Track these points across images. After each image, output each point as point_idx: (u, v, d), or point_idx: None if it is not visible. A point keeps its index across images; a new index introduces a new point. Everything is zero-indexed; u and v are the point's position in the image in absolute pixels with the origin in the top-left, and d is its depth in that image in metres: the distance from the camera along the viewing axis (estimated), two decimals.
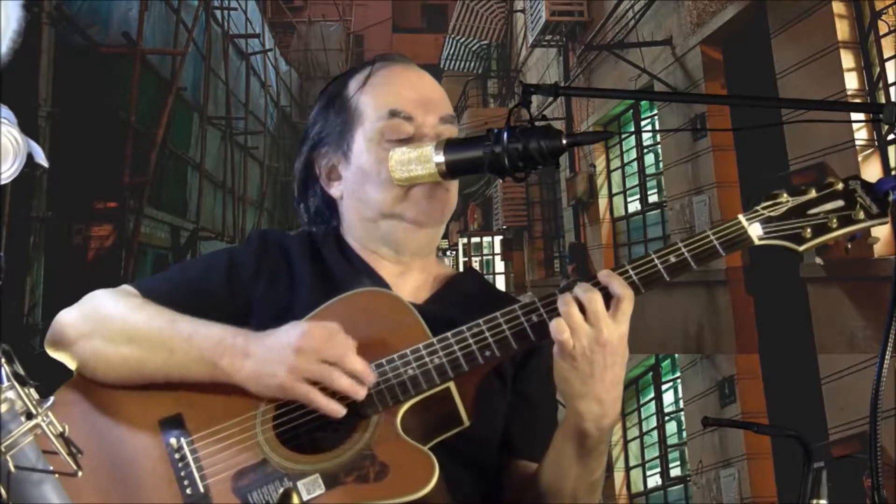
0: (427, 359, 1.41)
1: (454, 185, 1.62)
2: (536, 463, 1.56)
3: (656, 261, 1.42)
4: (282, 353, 1.37)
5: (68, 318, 1.52)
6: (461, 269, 10.51)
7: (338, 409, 1.36)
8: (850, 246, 1.45)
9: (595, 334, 1.35)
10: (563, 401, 1.44)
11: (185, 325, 1.44)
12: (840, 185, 1.44)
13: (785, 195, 1.45)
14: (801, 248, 1.43)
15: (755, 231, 1.43)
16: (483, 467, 1.56)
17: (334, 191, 1.68)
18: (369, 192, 1.62)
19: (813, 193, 1.44)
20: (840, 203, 1.43)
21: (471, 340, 1.41)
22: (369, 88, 1.66)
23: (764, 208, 1.44)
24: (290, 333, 1.38)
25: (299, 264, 1.61)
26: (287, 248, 1.64)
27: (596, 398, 1.39)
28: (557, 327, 1.36)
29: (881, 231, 1.45)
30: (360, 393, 1.37)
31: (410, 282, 1.65)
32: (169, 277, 1.63)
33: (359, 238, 1.66)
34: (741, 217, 1.44)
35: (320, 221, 1.71)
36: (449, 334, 1.42)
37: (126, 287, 1.56)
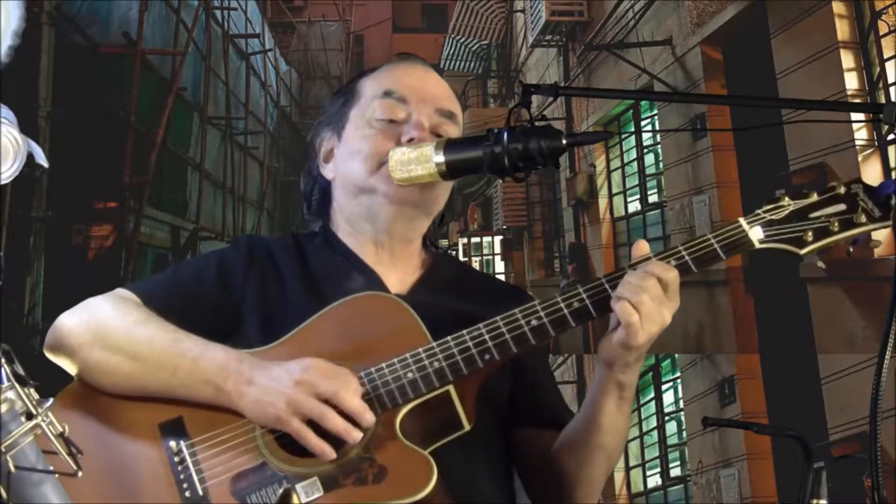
0: (426, 362, 1.41)
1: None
2: (551, 430, 1.60)
3: None
4: (283, 383, 1.37)
5: (69, 325, 1.51)
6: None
7: (328, 454, 1.36)
8: (851, 250, 1.44)
9: (661, 319, 1.38)
10: (605, 364, 1.46)
11: (191, 346, 1.44)
12: (842, 189, 1.44)
13: (786, 198, 1.44)
14: (803, 252, 1.43)
15: (756, 234, 1.43)
16: (491, 459, 1.57)
17: (328, 171, 1.71)
18: (348, 166, 1.65)
19: (814, 197, 1.44)
20: (842, 207, 1.43)
21: (470, 344, 1.41)
22: (374, 75, 1.72)
23: (765, 211, 1.44)
24: (293, 366, 1.39)
25: (286, 268, 1.63)
26: (272, 251, 1.65)
27: (640, 358, 1.45)
28: (627, 315, 1.37)
29: (882, 234, 1.45)
30: (354, 434, 1.36)
31: (397, 270, 1.67)
32: (162, 281, 1.64)
33: (346, 218, 1.68)
34: (742, 220, 1.44)
35: (320, 214, 1.73)
36: (449, 338, 1.42)
37: (123, 292, 1.56)
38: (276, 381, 1.37)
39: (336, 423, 1.35)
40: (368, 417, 1.36)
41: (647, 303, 1.36)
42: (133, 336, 1.47)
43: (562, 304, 1.42)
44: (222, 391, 1.40)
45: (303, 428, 1.35)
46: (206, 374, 1.41)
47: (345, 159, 1.67)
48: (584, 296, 1.42)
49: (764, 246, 1.44)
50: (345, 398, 1.35)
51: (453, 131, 1.67)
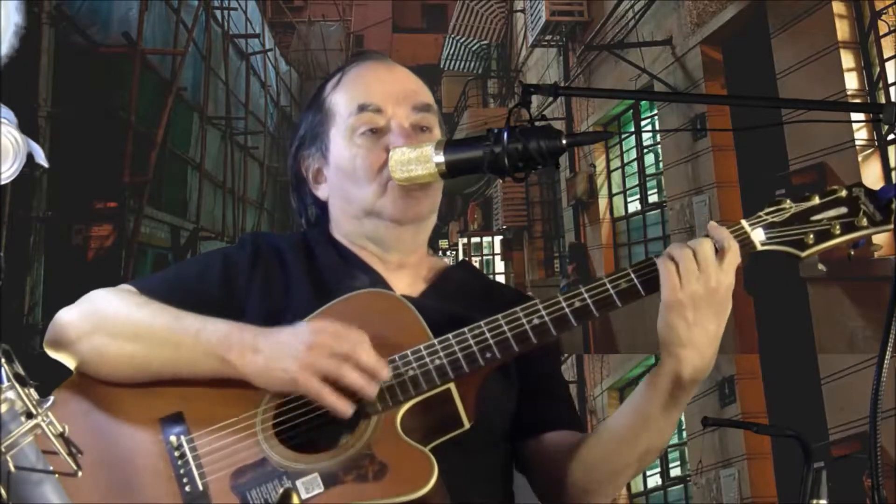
0: (427, 359, 1.41)
1: (436, 182, 1.62)
2: (561, 431, 1.60)
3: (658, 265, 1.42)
4: (293, 348, 1.37)
5: (68, 318, 1.52)
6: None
7: (345, 409, 1.36)
8: (853, 253, 1.45)
9: (704, 280, 1.37)
10: (662, 349, 1.43)
11: (191, 321, 1.44)
12: (843, 192, 1.45)
13: (788, 201, 1.45)
14: (804, 255, 1.44)
15: (758, 236, 1.44)
16: (491, 460, 1.57)
17: (321, 193, 1.70)
18: (348, 190, 1.64)
19: (816, 200, 1.45)
20: (843, 210, 1.44)
21: (472, 341, 1.41)
22: (340, 87, 1.69)
23: (767, 213, 1.45)
24: (301, 329, 1.39)
25: (293, 266, 1.62)
26: (280, 249, 1.65)
27: (698, 347, 1.40)
28: (667, 269, 1.37)
29: (882, 238, 1.45)
30: (371, 389, 1.36)
31: (404, 276, 1.66)
32: (165, 278, 1.64)
33: (347, 235, 1.68)
34: (744, 222, 1.45)
35: (316, 225, 1.73)
36: (450, 335, 1.42)
37: (124, 286, 1.57)
38: (285, 346, 1.37)
39: (354, 378, 1.35)
40: (385, 373, 1.37)
41: (687, 260, 1.38)
42: (133, 318, 1.47)
43: (563, 304, 1.42)
44: (226, 361, 1.40)
45: (323, 386, 1.35)
46: (209, 347, 1.41)
47: (341, 182, 1.65)
48: (585, 295, 1.42)
49: (766, 248, 1.44)
50: (361, 355, 1.36)
51: (433, 120, 1.67)
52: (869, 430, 1.35)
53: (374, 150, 1.61)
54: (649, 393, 1.46)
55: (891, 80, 6.20)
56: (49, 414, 1.09)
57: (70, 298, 1.56)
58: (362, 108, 1.63)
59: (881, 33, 6.31)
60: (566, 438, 1.60)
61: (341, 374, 1.35)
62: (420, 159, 1.53)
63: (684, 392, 1.44)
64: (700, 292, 1.37)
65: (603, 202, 10.59)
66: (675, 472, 9.04)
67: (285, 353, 1.37)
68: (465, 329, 1.42)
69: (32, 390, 1.10)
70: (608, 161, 10.61)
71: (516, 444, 1.64)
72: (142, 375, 1.45)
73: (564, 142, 1.45)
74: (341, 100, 1.67)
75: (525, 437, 1.63)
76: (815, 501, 2.36)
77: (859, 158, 6.15)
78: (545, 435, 1.62)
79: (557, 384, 1.72)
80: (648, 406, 1.47)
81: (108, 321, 1.48)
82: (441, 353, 1.41)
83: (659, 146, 9.57)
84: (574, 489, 1.56)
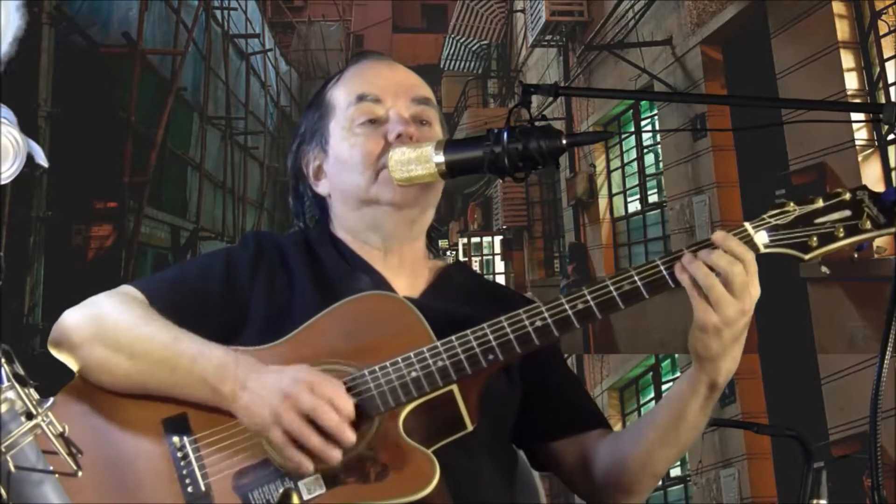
0: (430, 361, 1.41)
1: (436, 181, 1.61)
2: (595, 430, 1.62)
3: (661, 267, 1.42)
4: (272, 394, 1.36)
5: (72, 321, 1.51)
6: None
7: (305, 466, 1.34)
8: (856, 256, 1.45)
9: (740, 305, 1.38)
10: (696, 361, 1.44)
11: (189, 344, 1.44)
12: (847, 195, 1.44)
13: (791, 204, 1.45)
14: (807, 257, 1.43)
15: (761, 239, 1.43)
16: (493, 462, 1.57)
17: (321, 188, 1.70)
18: (345, 180, 1.65)
19: (820, 203, 1.44)
20: (847, 213, 1.43)
21: (474, 343, 1.41)
22: (341, 82, 1.71)
23: (770, 216, 1.44)
24: (287, 377, 1.37)
25: (296, 264, 1.62)
26: (282, 248, 1.65)
27: (732, 356, 1.43)
28: (698, 296, 1.38)
29: (884, 240, 1.45)
30: (329, 454, 1.34)
31: (404, 275, 1.66)
32: (168, 278, 1.63)
33: (349, 230, 1.68)
34: (747, 225, 1.44)
35: (315, 223, 1.73)
36: (452, 337, 1.42)
37: (128, 288, 1.56)
38: (266, 390, 1.36)
39: (313, 442, 1.33)
40: (347, 436, 1.34)
41: (710, 275, 1.37)
42: (133, 334, 1.46)
43: (566, 306, 1.42)
44: (218, 392, 1.39)
45: (283, 439, 1.34)
46: (205, 374, 1.41)
47: (339, 173, 1.66)
48: (588, 297, 1.42)
49: (769, 250, 1.44)
50: (322, 415, 1.33)
51: (433, 114, 1.68)
52: (869, 430, 1.35)
53: (372, 137, 1.62)
54: (686, 399, 1.49)
55: (891, 80, 6.20)
56: (49, 414, 1.09)
57: (70, 298, 1.55)
58: (361, 98, 1.64)
59: (881, 33, 6.32)
60: (601, 437, 1.63)
61: (301, 437, 1.33)
62: (420, 159, 1.53)
63: (719, 391, 1.48)
64: (733, 316, 1.38)
65: (603, 202, 10.59)
66: (675, 472, 9.04)
67: (265, 396, 1.36)
68: (468, 331, 1.42)
69: (32, 390, 1.10)
70: (608, 161, 10.61)
71: (546, 444, 1.65)
72: (138, 390, 1.45)
73: (564, 142, 1.45)
74: (341, 93, 1.69)
75: (558, 436, 1.64)
76: (815, 501, 2.36)
77: (859, 158, 6.16)
78: (583, 435, 1.63)
79: (578, 383, 1.75)
80: (687, 411, 1.50)
81: (110, 333, 1.48)
82: (444, 355, 1.41)
83: (659, 146, 9.58)
84: (617, 490, 1.59)
